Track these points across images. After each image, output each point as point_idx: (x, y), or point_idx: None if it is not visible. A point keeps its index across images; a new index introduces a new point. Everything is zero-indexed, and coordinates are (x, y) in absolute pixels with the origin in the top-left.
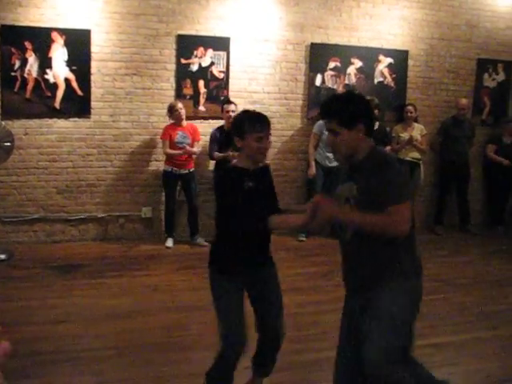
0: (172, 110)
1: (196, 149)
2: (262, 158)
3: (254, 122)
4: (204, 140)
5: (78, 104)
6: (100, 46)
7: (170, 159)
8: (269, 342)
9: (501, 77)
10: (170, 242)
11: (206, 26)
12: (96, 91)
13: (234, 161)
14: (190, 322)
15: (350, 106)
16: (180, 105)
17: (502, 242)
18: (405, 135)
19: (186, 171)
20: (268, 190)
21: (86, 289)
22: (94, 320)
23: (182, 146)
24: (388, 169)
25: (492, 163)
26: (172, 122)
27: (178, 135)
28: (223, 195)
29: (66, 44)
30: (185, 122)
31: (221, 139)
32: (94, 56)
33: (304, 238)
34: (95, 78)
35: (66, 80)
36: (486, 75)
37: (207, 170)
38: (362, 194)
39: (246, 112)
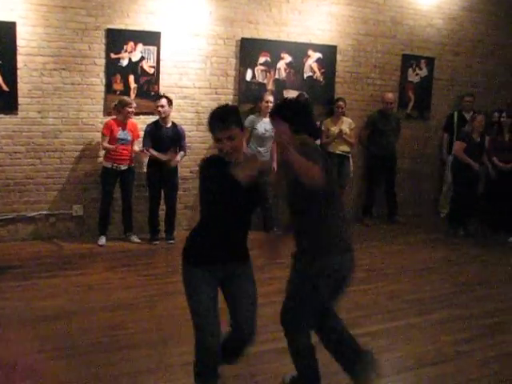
0: (125, 107)
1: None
2: (229, 158)
3: (212, 123)
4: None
5: (3, 100)
6: (26, 40)
7: (109, 155)
8: (239, 339)
9: (424, 72)
10: (102, 240)
11: (136, 20)
12: (23, 86)
13: None
14: (127, 321)
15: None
16: (134, 104)
17: (429, 232)
18: (334, 129)
19: (126, 167)
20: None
21: (17, 291)
22: (28, 323)
23: (122, 142)
24: None
25: (460, 162)
26: (115, 117)
27: (120, 131)
28: (201, 181)
29: None
30: (128, 120)
31: (155, 134)
32: (20, 50)
33: None
34: (22, 73)
35: None
36: (410, 70)
37: (140, 166)
38: None
39: (213, 111)
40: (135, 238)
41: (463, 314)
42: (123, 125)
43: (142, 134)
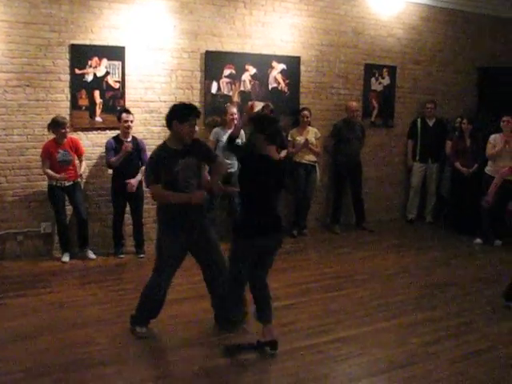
0: (59, 128)
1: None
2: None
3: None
4: (101, 151)
5: None
6: None
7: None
8: None
9: (386, 81)
10: (66, 257)
11: (100, 35)
12: None
13: None
14: (98, 337)
15: None
16: (68, 123)
17: (396, 238)
18: (300, 139)
19: (71, 183)
20: None
21: None
22: None
23: (63, 164)
24: None
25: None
26: (52, 138)
27: (60, 154)
28: None
29: None
30: (64, 139)
31: (117, 148)
32: None
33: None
34: None
35: None
36: (373, 79)
37: (106, 181)
38: None
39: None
40: (91, 254)
41: (431, 316)
42: (61, 145)
43: (100, 148)
